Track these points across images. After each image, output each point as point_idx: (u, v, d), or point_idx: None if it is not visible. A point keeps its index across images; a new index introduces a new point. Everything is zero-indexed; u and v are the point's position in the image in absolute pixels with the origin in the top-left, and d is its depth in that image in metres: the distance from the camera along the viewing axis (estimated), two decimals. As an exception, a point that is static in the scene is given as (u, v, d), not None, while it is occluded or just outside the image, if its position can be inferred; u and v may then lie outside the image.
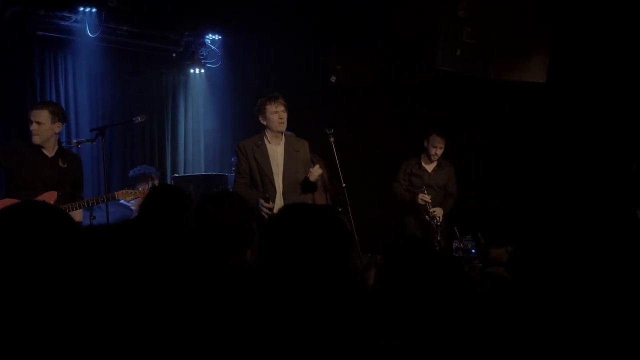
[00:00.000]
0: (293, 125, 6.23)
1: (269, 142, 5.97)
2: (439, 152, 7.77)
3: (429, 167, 7.87)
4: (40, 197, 5.45)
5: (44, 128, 5.65)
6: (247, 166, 5.97)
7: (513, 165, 8.36)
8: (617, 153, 7.38)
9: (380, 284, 3.23)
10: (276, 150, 5.97)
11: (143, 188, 6.25)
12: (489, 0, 7.21)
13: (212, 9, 8.94)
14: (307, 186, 5.90)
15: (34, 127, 5.63)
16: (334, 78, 9.49)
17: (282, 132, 5.99)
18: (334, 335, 2.08)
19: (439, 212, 7.58)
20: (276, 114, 5.91)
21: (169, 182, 8.89)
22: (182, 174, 9.26)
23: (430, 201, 7.51)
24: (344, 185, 6.04)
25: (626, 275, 2.66)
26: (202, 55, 9.64)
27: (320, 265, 2.10)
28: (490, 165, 8.46)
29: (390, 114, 9.30)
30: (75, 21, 8.44)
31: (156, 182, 7.33)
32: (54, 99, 8.44)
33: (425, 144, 7.80)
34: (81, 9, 8.37)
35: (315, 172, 5.81)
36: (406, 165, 7.96)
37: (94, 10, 8.40)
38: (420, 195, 7.54)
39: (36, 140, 5.65)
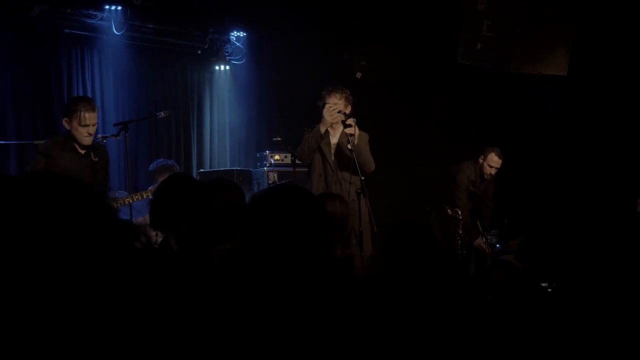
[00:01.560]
0: (318, 121, 6.28)
1: (330, 128, 6.24)
2: (494, 172, 7.69)
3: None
4: None
5: (95, 128, 5.71)
6: None
7: (532, 158, 8.30)
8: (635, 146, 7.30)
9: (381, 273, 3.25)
10: (332, 138, 6.26)
11: None
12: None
13: (236, 5, 8.98)
14: (347, 159, 6.12)
15: (90, 130, 5.62)
16: (360, 74, 9.51)
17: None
18: (318, 319, 2.07)
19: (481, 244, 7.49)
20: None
21: (194, 176, 8.97)
22: (208, 169, 9.33)
23: (485, 248, 7.40)
24: (362, 178, 6.04)
25: (624, 265, 2.65)
26: (227, 52, 9.68)
27: (297, 248, 2.09)
28: (511, 159, 8.40)
29: (414, 108, 9.29)
30: (101, 19, 8.55)
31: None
32: (80, 95, 8.55)
33: (481, 160, 7.71)
34: (107, 7, 8.47)
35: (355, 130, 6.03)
36: (467, 179, 7.78)
37: (119, 8, 8.49)
38: (479, 242, 7.46)
39: (89, 141, 5.67)
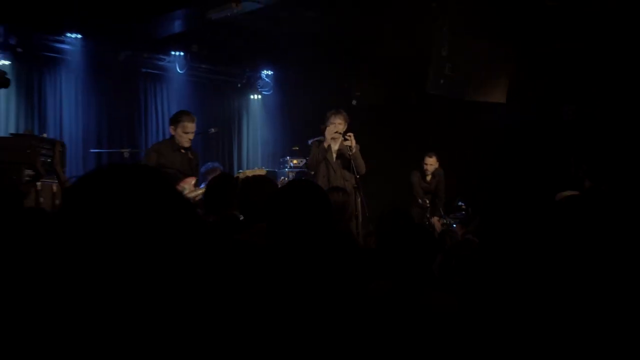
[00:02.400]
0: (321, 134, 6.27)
1: (332, 141, 6.07)
2: (430, 168, 7.64)
3: (428, 178, 7.76)
4: (183, 182, 5.32)
5: (193, 135, 5.54)
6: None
7: (483, 164, 8.29)
8: (559, 155, 7.32)
9: (377, 244, 3.29)
10: (333, 148, 6.08)
11: None
12: (464, 44, 7.20)
13: (266, 51, 9.01)
14: (346, 162, 5.98)
15: (190, 136, 5.45)
16: (355, 101, 9.51)
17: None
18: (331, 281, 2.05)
19: (436, 221, 7.39)
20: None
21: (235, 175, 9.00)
22: (245, 170, 9.34)
23: (440, 224, 7.29)
24: (357, 176, 6.04)
25: (545, 236, 2.67)
26: (259, 85, 9.71)
27: (308, 223, 2.08)
28: (466, 165, 8.40)
29: (395, 126, 9.29)
30: (169, 61, 8.62)
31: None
32: (153, 118, 8.64)
33: (422, 163, 7.70)
34: (173, 53, 8.55)
35: (353, 142, 5.91)
36: (417, 179, 7.71)
37: (181, 53, 8.57)
38: (435, 221, 7.36)
39: (189, 144, 5.49)
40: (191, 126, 5.45)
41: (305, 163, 7.05)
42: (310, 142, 6.38)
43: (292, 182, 2.46)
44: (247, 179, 3.39)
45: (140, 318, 0.99)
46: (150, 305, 1.00)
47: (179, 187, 5.09)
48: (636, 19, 6.43)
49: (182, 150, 5.51)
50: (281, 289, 1.94)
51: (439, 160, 7.72)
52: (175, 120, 5.51)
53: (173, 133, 5.48)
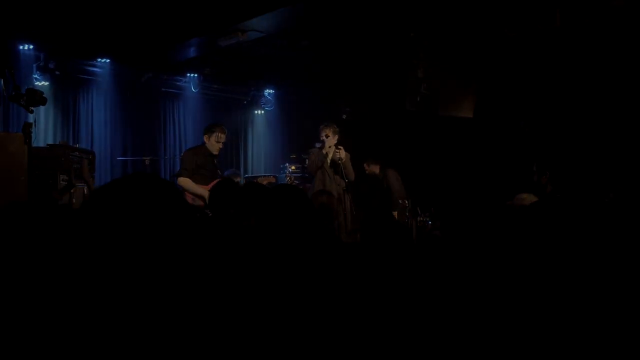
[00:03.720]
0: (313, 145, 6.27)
1: (327, 149, 6.00)
2: (367, 169, 7.52)
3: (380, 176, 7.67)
4: (213, 182, 5.14)
5: (223, 144, 5.37)
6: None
7: (453, 169, 8.28)
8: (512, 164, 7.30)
9: (362, 240, 3.27)
10: (328, 155, 6.00)
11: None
12: (437, 67, 7.21)
13: (268, 73, 9.03)
14: (338, 169, 5.90)
15: (220, 145, 5.29)
16: (345, 116, 9.52)
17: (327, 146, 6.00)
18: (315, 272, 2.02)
19: (395, 215, 7.36)
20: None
21: (242, 178, 9.01)
22: (250, 175, 9.36)
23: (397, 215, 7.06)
24: (346, 181, 6.03)
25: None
26: (262, 102, 9.73)
27: (292, 221, 2.06)
28: (438, 170, 8.39)
29: (379, 137, 9.28)
30: (185, 82, 8.61)
31: (238, 179, 7.30)
32: (171, 131, 8.61)
33: None
34: (188, 74, 8.55)
35: (342, 153, 5.85)
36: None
37: (195, 75, 8.57)
38: (395, 214, 7.21)
39: (218, 151, 5.28)
40: (222, 136, 5.29)
41: (303, 167, 7.00)
42: (310, 150, 6.36)
43: (277, 187, 2.44)
44: (245, 184, 3.35)
45: (150, 305, 0.99)
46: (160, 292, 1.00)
47: (208, 188, 5.02)
48: (575, 47, 6.48)
49: (211, 156, 5.43)
50: (265, 276, 1.91)
51: (371, 164, 7.49)
52: (209, 130, 5.35)
53: (206, 141, 5.32)
